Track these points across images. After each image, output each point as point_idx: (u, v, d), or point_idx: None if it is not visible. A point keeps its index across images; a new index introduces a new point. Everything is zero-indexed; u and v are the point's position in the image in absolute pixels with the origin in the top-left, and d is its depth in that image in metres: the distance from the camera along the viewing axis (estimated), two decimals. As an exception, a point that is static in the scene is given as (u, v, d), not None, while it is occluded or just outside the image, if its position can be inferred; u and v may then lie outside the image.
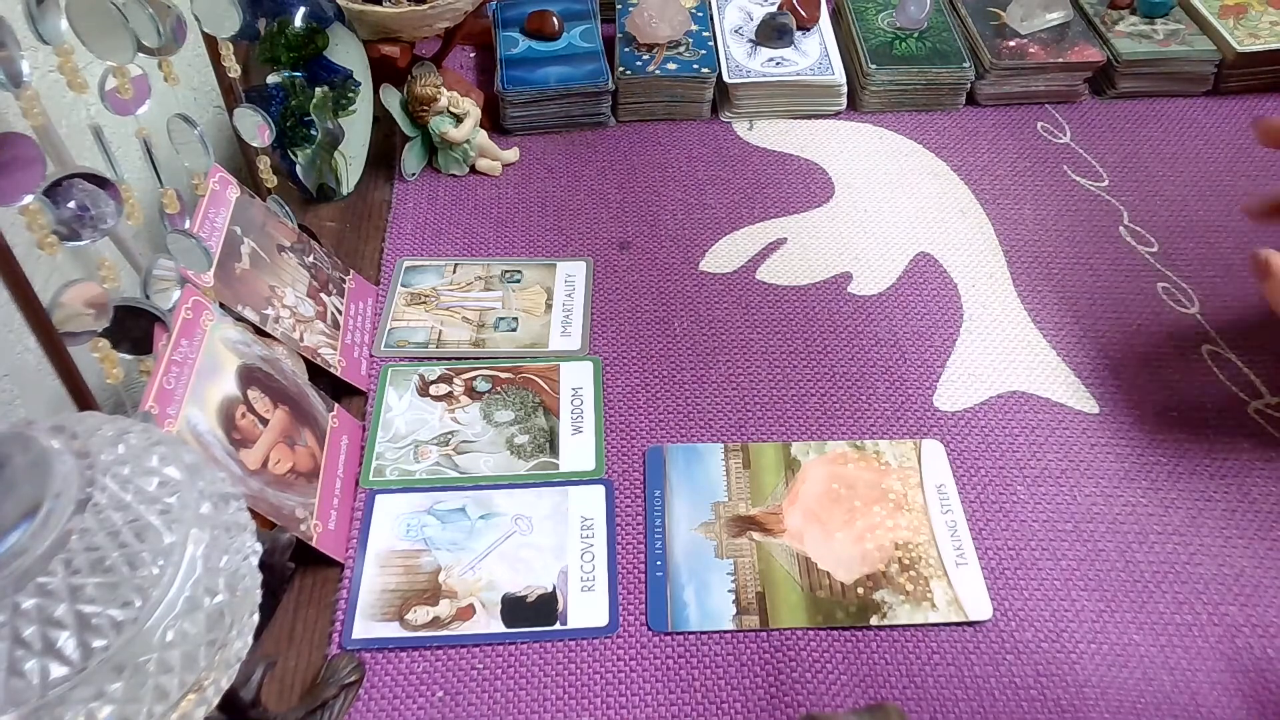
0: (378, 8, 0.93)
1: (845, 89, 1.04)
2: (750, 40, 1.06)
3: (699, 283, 0.88)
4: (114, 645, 0.35)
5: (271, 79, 0.89)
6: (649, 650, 0.64)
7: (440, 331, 0.83)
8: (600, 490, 0.72)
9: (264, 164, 0.83)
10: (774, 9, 1.08)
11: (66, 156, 0.65)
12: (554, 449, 0.75)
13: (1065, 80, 1.05)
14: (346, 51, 0.92)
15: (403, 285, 0.87)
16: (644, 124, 1.04)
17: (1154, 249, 0.91)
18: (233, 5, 0.71)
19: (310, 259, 0.82)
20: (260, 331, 0.72)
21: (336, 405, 0.75)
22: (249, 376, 0.68)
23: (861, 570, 0.68)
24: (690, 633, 0.65)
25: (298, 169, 0.91)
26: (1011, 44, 1.05)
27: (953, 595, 0.67)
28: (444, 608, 0.66)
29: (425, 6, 0.93)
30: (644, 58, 1.03)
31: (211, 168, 0.74)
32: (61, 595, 0.35)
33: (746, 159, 1.00)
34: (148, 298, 0.64)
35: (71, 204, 0.57)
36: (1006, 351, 0.82)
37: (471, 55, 1.12)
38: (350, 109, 0.94)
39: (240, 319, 0.71)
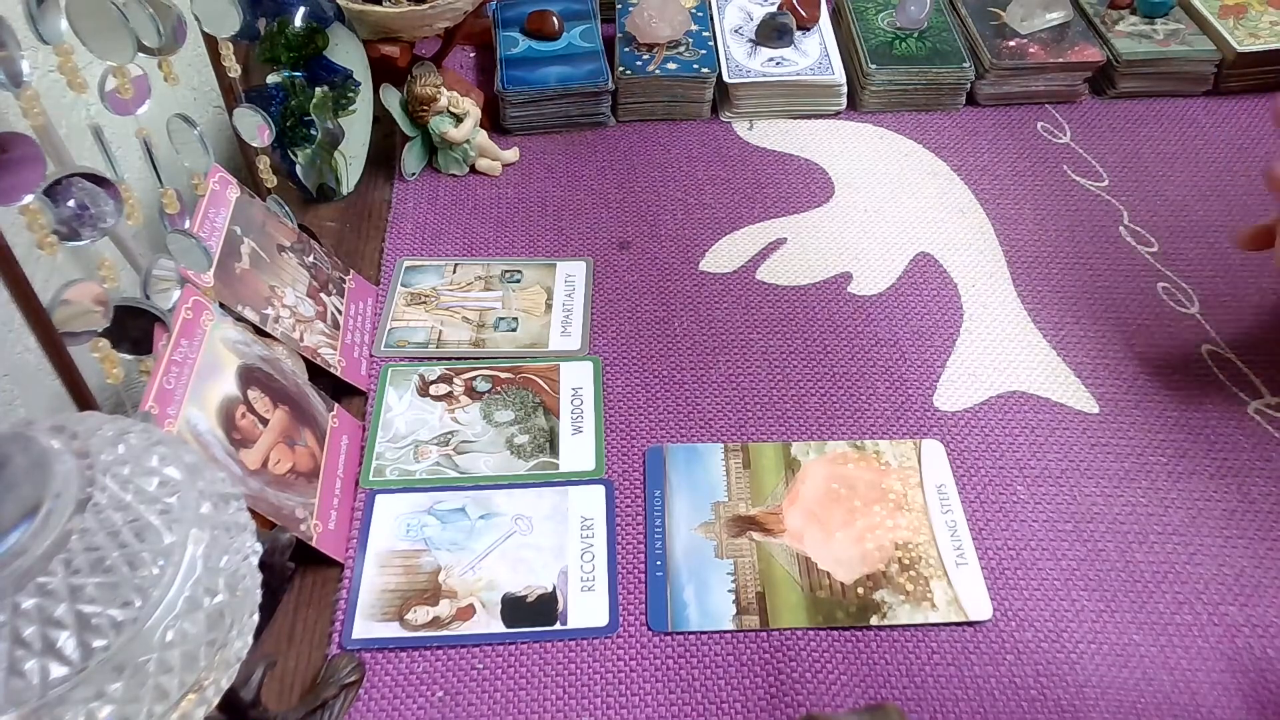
0: (378, 8, 0.93)
1: (845, 89, 1.04)
2: (750, 40, 1.06)
3: (699, 283, 0.88)
4: (114, 645, 0.35)
5: (271, 79, 0.89)
6: (649, 650, 0.64)
7: (440, 331, 0.83)
8: (600, 490, 0.72)
9: (264, 164, 0.83)
10: (774, 9, 1.07)
11: (66, 156, 0.65)
12: (554, 449, 0.75)
13: (1065, 80, 1.05)
14: (346, 51, 0.92)
15: (403, 285, 0.87)
16: (644, 124, 1.04)
17: (1154, 249, 0.91)
18: (233, 5, 0.71)
19: (310, 259, 0.82)
20: (260, 331, 0.72)
21: (336, 405, 0.75)
22: (249, 376, 0.68)
23: (861, 570, 0.68)
24: (690, 633, 0.65)
25: (298, 169, 0.91)
26: (1011, 44, 1.05)
27: (953, 595, 0.67)
28: (444, 608, 0.66)
29: (425, 6, 0.93)
30: (644, 58, 1.03)
31: (211, 168, 0.74)
32: (61, 595, 0.35)
33: (746, 159, 1.00)
34: (148, 298, 0.64)
35: (71, 203, 0.57)
36: (1006, 351, 0.82)
37: (471, 55, 1.12)
38: (350, 109, 0.94)
39: (240, 319, 0.71)
